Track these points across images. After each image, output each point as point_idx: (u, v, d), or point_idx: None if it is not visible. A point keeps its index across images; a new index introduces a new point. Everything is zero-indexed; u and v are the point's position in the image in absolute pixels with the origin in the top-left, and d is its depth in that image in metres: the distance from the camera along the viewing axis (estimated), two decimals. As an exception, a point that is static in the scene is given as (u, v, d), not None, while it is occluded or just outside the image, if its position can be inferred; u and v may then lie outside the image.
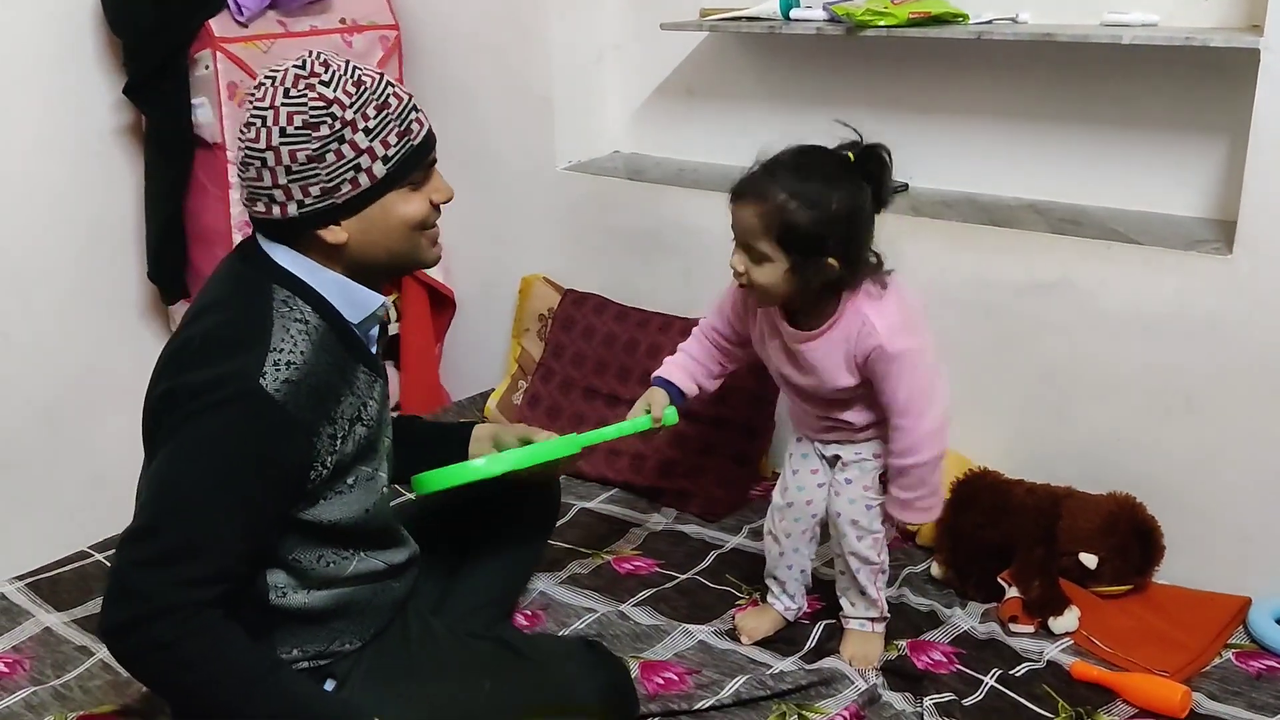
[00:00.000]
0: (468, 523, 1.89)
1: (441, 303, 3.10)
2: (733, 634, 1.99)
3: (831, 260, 1.68)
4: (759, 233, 1.68)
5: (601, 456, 2.54)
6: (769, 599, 2.01)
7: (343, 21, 2.79)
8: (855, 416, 1.84)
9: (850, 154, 1.70)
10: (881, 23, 2.17)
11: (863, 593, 1.90)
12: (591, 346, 2.66)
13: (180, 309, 2.85)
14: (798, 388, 1.85)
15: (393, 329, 3.09)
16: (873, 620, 1.92)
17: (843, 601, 1.93)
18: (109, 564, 1.53)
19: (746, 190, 1.70)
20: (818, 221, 1.66)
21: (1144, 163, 2.22)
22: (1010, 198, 2.36)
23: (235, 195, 2.66)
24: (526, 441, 1.80)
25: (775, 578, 2.00)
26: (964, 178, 2.42)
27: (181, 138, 2.66)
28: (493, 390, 2.89)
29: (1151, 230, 2.12)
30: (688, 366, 1.95)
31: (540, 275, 2.88)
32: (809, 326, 1.77)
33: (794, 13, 2.37)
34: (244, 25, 2.60)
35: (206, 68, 2.59)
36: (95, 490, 2.72)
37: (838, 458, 1.88)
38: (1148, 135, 2.20)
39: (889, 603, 1.96)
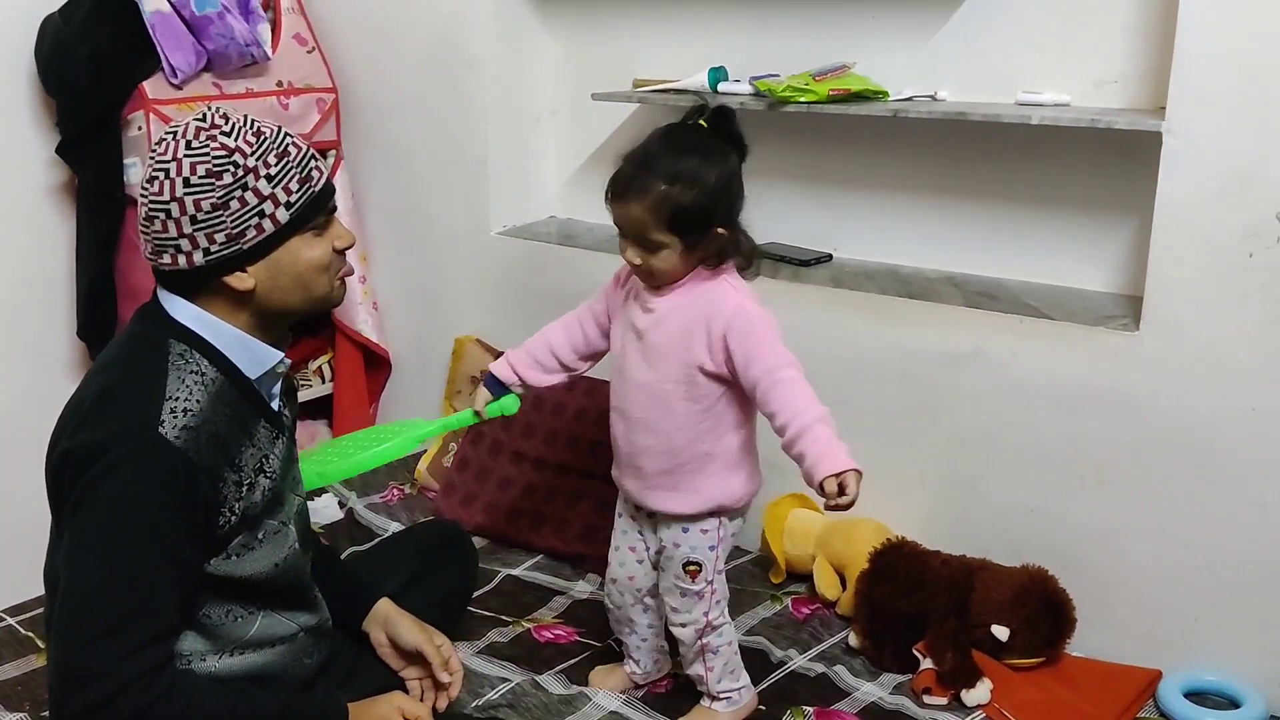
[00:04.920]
0: (380, 593, 1.87)
1: (376, 363, 3.10)
2: (646, 703, 1.99)
3: (720, 229, 1.72)
4: (650, 225, 1.70)
5: (526, 522, 2.54)
6: (625, 660, 2.04)
7: (279, 84, 2.81)
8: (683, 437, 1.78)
9: (703, 121, 1.74)
10: (802, 99, 2.22)
11: (693, 668, 1.91)
12: (520, 410, 2.66)
13: (110, 367, 2.83)
14: (639, 383, 1.80)
15: (325, 388, 3.09)
16: (711, 697, 1.92)
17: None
18: (49, 652, 1.50)
19: (627, 189, 1.72)
20: (701, 199, 1.69)
21: (1057, 238, 2.27)
22: (930, 270, 2.40)
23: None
24: (417, 648, 1.77)
25: (620, 640, 2.03)
26: (886, 250, 2.47)
27: (112, 197, 2.66)
28: (424, 452, 2.88)
29: (1063, 305, 2.17)
30: (520, 358, 1.95)
31: (473, 337, 2.89)
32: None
33: (721, 86, 2.42)
34: (178, 88, 2.62)
35: (139, 129, 2.60)
36: (9, 551, 2.67)
37: (661, 548, 1.88)
38: (1061, 212, 2.25)
39: (802, 672, 1.97)
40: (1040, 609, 2.04)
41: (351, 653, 1.81)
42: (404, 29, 2.87)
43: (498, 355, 2.76)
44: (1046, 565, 2.10)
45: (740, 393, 1.77)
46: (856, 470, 1.62)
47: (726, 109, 1.76)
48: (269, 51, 2.78)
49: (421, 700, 1.77)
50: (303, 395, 3.02)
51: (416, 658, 1.79)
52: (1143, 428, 2.04)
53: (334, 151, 2.92)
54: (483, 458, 2.67)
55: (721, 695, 1.90)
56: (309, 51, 2.89)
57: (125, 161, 2.64)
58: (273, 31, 2.83)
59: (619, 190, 1.73)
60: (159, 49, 2.58)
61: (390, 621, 1.80)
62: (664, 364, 1.77)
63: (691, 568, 1.84)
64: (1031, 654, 2.04)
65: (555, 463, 2.57)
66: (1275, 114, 1.84)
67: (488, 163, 2.82)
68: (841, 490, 1.61)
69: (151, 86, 2.60)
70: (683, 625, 1.88)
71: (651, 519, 1.90)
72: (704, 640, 1.87)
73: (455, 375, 2.88)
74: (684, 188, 1.68)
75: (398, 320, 3.08)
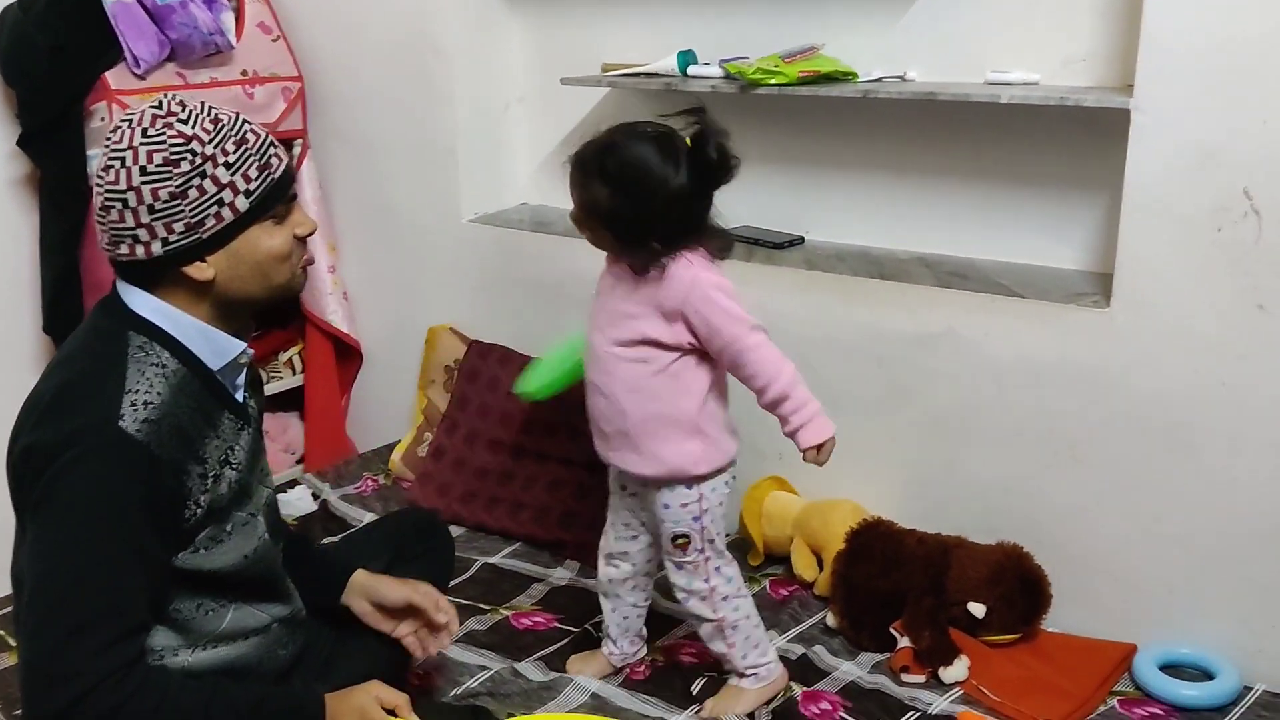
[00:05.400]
0: (354, 568, 1.85)
1: (347, 354, 3.08)
2: (625, 687, 1.99)
3: (655, 244, 1.72)
4: (586, 217, 1.75)
5: (505, 510, 2.53)
6: (603, 642, 2.04)
7: (244, 73, 2.77)
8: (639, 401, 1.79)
9: (689, 139, 1.72)
10: (773, 81, 2.21)
11: (715, 645, 1.91)
12: (496, 398, 2.66)
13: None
14: (594, 346, 1.82)
15: (296, 380, 3.07)
16: (739, 675, 1.92)
17: None
18: (19, 651, 1.48)
19: (577, 178, 1.74)
20: (641, 218, 1.70)
21: (1028, 217, 2.27)
22: (902, 251, 2.41)
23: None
24: (406, 599, 1.77)
25: (601, 621, 2.03)
26: (858, 231, 2.47)
27: (76, 189, 2.61)
28: (398, 442, 2.87)
29: (1035, 283, 2.17)
30: None
31: (446, 326, 2.87)
32: None
33: (691, 69, 2.41)
34: (141, 78, 2.58)
35: (102, 119, 2.56)
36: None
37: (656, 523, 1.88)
38: (1031, 190, 2.26)
39: (783, 653, 1.97)
40: (1016, 586, 2.05)
41: (328, 641, 1.79)
42: (370, 16, 2.84)
43: (471, 344, 2.76)
44: (1021, 542, 2.11)
45: (696, 359, 1.78)
46: (833, 437, 1.79)
47: (708, 136, 1.70)
48: (233, 40, 2.74)
49: (422, 649, 1.78)
50: (273, 387, 2.99)
51: (405, 613, 1.79)
52: (1114, 404, 2.05)
53: (300, 141, 2.89)
54: (459, 446, 2.66)
55: (749, 671, 1.90)
56: (274, 40, 2.86)
57: (88, 153, 2.60)
58: (236, 20, 2.79)
59: (573, 173, 1.75)
60: (121, 39, 2.54)
61: (369, 588, 1.79)
62: (613, 328, 1.78)
63: (681, 540, 1.85)
64: (1008, 630, 2.05)
65: (533, 450, 2.57)
66: (1242, 89, 1.85)
67: (457, 150, 2.80)
68: (818, 451, 1.78)
69: (114, 77, 2.56)
70: (685, 596, 1.88)
71: (635, 497, 1.91)
72: (719, 615, 1.87)
73: (429, 365, 2.86)
74: (626, 202, 1.69)
75: (369, 310, 3.06)
